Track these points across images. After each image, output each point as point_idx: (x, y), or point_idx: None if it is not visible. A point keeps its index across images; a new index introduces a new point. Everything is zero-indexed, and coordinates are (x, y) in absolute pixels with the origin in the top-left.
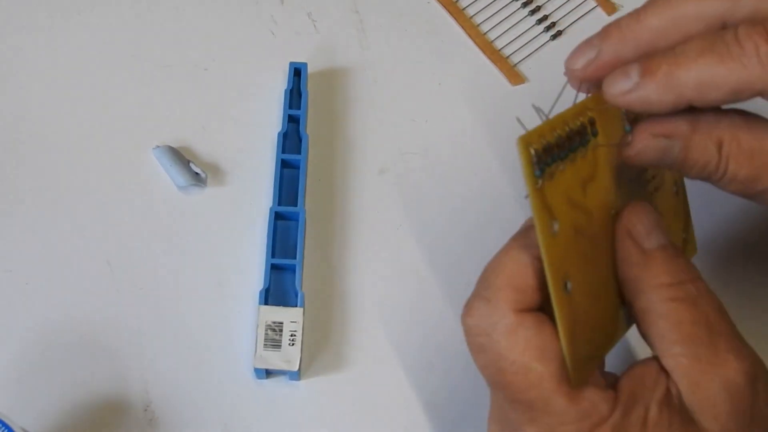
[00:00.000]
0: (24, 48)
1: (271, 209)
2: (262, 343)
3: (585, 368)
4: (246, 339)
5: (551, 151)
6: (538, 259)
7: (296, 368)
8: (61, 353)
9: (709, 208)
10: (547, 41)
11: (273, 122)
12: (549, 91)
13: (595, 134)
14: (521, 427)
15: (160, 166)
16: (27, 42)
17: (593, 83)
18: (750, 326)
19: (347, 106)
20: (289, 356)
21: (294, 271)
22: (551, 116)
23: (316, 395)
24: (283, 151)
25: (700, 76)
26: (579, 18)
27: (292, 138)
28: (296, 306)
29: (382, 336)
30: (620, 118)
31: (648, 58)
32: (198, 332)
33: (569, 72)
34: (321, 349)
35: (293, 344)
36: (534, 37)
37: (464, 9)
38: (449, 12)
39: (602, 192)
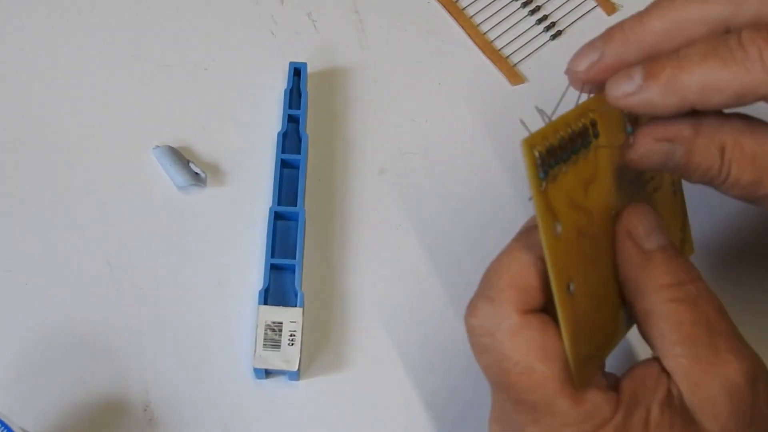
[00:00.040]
0: (24, 48)
1: (270, 209)
2: (262, 343)
3: (587, 369)
4: (245, 339)
5: (554, 153)
6: (541, 260)
7: (296, 368)
8: (61, 353)
9: (708, 208)
10: (547, 41)
11: (273, 122)
12: (549, 91)
13: (596, 136)
14: (524, 427)
15: (160, 166)
16: (27, 42)
17: (596, 85)
18: (750, 326)
19: (347, 106)
20: (288, 356)
21: (293, 271)
22: (554, 118)
23: (315, 395)
24: (283, 151)
25: (704, 79)
26: (579, 18)
27: (291, 138)
28: (296, 306)
29: (382, 336)
30: (621, 120)
31: (651, 61)
32: (198, 332)
33: (572, 74)
34: (320, 349)
35: (293, 344)
36: (534, 37)
37: (464, 9)
38: (449, 12)
39: (603, 193)
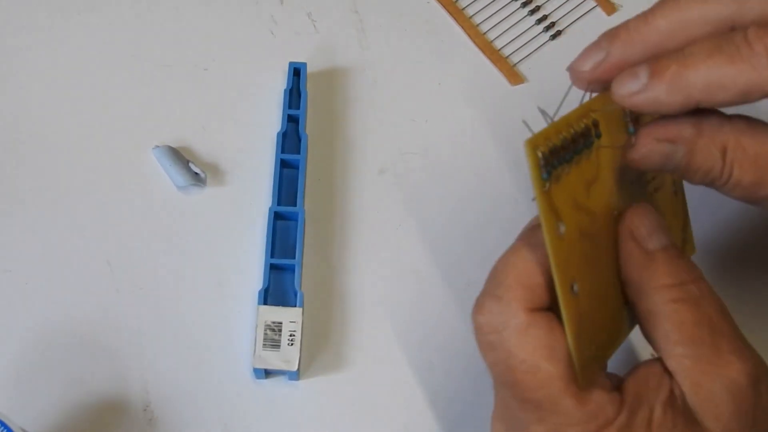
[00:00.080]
0: (24, 48)
1: (270, 209)
2: (262, 343)
3: (591, 369)
4: (245, 339)
5: (557, 153)
6: (547, 258)
7: (295, 368)
8: (61, 353)
9: (708, 208)
10: (547, 41)
11: (272, 122)
12: (549, 90)
13: (598, 136)
14: (528, 426)
15: (160, 166)
16: (27, 42)
17: (601, 84)
18: (751, 327)
19: (347, 106)
20: (288, 356)
21: (293, 271)
22: (556, 118)
23: (315, 395)
24: (283, 151)
25: (709, 77)
26: (579, 18)
27: (291, 138)
28: (295, 306)
29: (382, 336)
30: (623, 120)
31: (656, 60)
32: (197, 332)
33: (577, 74)
34: (320, 349)
35: (292, 344)
36: (533, 37)
37: (464, 9)
38: (449, 12)
39: (605, 193)
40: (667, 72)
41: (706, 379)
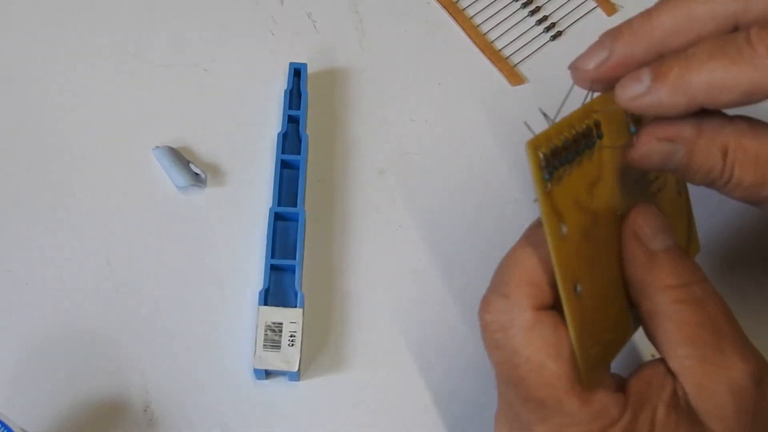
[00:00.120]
0: (24, 48)
1: (270, 210)
2: (262, 343)
3: (596, 370)
4: (245, 339)
5: (559, 154)
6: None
7: (296, 369)
8: (61, 353)
9: (709, 208)
10: (547, 42)
11: (273, 122)
12: (549, 91)
13: (600, 136)
14: (532, 425)
15: (160, 166)
16: (27, 42)
17: (605, 83)
18: (751, 327)
19: (347, 106)
20: (288, 357)
21: (294, 271)
22: (557, 119)
23: (315, 396)
24: (283, 152)
25: (712, 78)
26: (579, 18)
27: (291, 138)
28: (296, 306)
29: (382, 336)
30: (625, 120)
31: (659, 62)
32: (198, 333)
33: (580, 72)
34: (320, 349)
35: (293, 345)
36: (534, 38)
37: (464, 9)
38: (449, 12)
39: (608, 194)
40: (669, 75)
41: (709, 380)
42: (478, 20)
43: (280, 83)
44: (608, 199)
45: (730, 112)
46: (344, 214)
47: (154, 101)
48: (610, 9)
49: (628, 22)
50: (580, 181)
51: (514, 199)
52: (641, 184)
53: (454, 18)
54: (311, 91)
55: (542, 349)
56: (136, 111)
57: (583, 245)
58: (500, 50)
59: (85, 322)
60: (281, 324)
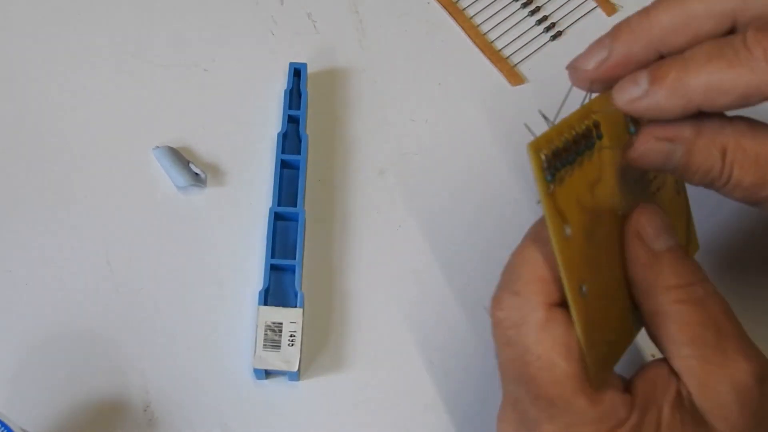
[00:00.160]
0: (24, 48)
1: (270, 209)
2: (262, 343)
3: (603, 370)
4: (245, 339)
5: (560, 155)
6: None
7: (295, 369)
8: (61, 353)
9: (708, 208)
10: (547, 42)
11: (273, 122)
12: (549, 91)
13: (600, 137)
14: (540, 424)
15: (160, 166)
16: (27, 42)
17: (605, 83)
18: (752, 327)
19: (347, 106)
20: (288, 357)
21: (293, 271)
22: (557, 120)
23: (315, 396)
24: (283, 152)
25: (709, 81)
26: (579, 18)
27: (291, 138)
28: (296, 306)
29: (381, 336)
30: (625, 120)
31: (657, 65)
32: (198, 333)
33: (580, 72)
34: (320, 349)
35: (293, 345)
36: (534, 38)
37: (464, 9)
38: (449, 12)
39: (608, 194)
40: (667, 78)
41: (712, 380)
42: (478, 20)
43: (280, 83)
44: (609, 199)
45: (729, 112)
46: (344, 214)
47: (154, 101)
48: (610, 9)
49: (627, 21)
50: (582, 181)
51: (514, 199)
52: (640, 184)
53: (454, 18)
54: (311, 91)
55: (553, 348)
56: (136, 111)
57: (587, 246)
58: (500, 50)
59: (85, 322)
60: (281, 324)
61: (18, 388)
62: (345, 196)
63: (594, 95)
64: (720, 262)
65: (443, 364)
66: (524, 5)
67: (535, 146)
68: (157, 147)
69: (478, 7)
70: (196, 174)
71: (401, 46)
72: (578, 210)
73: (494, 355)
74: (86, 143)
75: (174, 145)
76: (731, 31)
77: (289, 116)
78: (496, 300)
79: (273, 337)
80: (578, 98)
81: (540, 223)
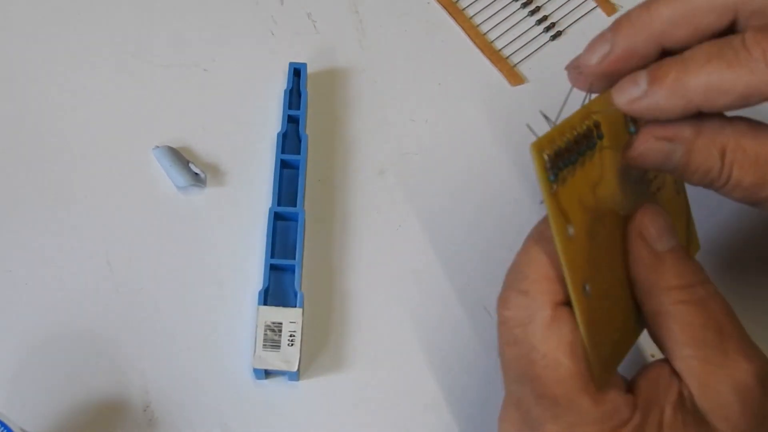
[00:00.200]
0: (24, 48)
1: (270, 209)
2: (261, 343)
3: (606, 370)
4: (245, 339)
5: (562, 155)
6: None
7: (295, 369)
8: (61, 353)
9: (708, 208)
10: (547, 42)
11: (273, 122)
12: (549, 91)
13: (600, 137)
14: (543, 423)
15: (160, 166)
16: (27, 42)
17: (609, 78)
18: (751, 327)
19: (347, 106)
20: (288, 357)
21: (293, 271)
22: (558, 121)
23: (315, 396)
24: (283, 152)
25: (709, 82)
26: (579, 18)
27: (291, 138)
28: (295, 306)
29: (381, 336)
30: (624, 120)
31: (656, 66)
32: (197, 332)
33: (585, 68)
34: (320, 349)
35: (292, 345)
36: (534, 38)
37: (464, 9)
38: (449, 12)
39: (610, 194)
40: (666, 78)
41: (714, 380)
42: (478, 20)
43: (280, 83)
44: (611, 199)
45: (730, 113)
46: (344, 214)
47: (154, 101)
48: (610, 9)
49: (627, 15)
50: (584, 181)
51: (514, 199)
52: (641, 184)
53: (454, 18)
54: (311, 91)
55: (559, 347)
56: (136, 111)
57: (589, 246)
58: (500, 50)
59: (85, 322)
60: (281, 324)
61: (18, 388)
62: (345, 196)
63: (593, 96)
64: (720, 262)
65: (443, 364)
66: (524, 5)
67: (538, 146)
68: (157, 147)
69: (478, 7)
70: (196, 174)
71: (401, 46)
72: (580, 210)
73: (496, 355)
74: (86, 143)
75: (174, 145)
76: (733, 24)
77: (289, 116)
78: (503, 299)
79: (273, 337)
80: (579, 98)
81: (543, 223)
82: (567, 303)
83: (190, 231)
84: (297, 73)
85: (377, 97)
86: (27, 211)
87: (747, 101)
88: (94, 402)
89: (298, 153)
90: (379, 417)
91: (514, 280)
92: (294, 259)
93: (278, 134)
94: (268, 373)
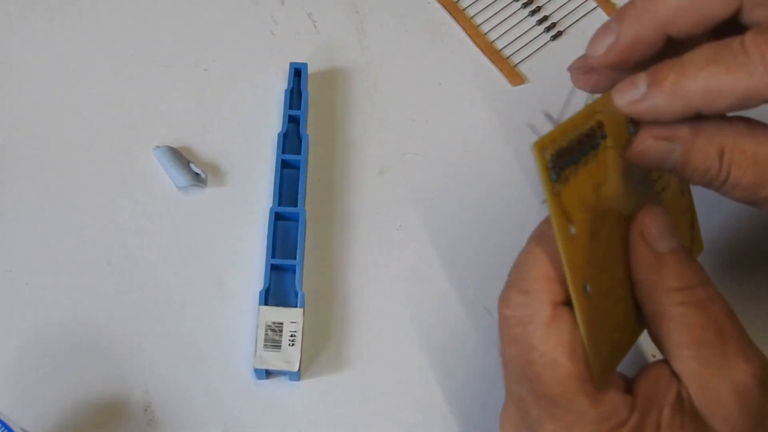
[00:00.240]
0: (24, 48)
1: (271, 209)
2: (262, 343)
3: (606, 370)
4: (246, 339)
5: (565, 155)
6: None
7: (296, 369)
8: (61, 353)
9: (709, 208)
10: (548, 42)
11: (273, 122)
12: (549, 91)
13: (603, 137)
14: (541, 423)
15: (160, 166)
16: (27, 42)
17: (616, 68)
18: (750, 327)
19: (347, 106)
20: (288, 357)
21: (294, 271)
22: (561, 120)
23: (316, 396)
24: (283, 152)
25: (707, 85)
26: (579, 18)
27: (292, 138)
28: (296, 306)
29: (382, 336)
30: (626, 120)
31: (656, 68)
32: (198, 332)
33: (593, 60)
34: (321, 349)
35: (293, 345)
36: (534, 38)
37: (464, 9)
38: (449, 12)
39: (613, 194)
40: (665, 81)
41: (713, 381)
42: (478, 20)
43: (280, 83)
44: (614, 199)
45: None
46: (344, 214)
47: (154, 101)
48: (611, 9)
49: (632, 3)
50: (587, 181)
51: (514, 199)
52: (645, 184)
53: (454, 18)
54: (311, 91)
55: (558, 347)
56: (137, 111)
57: (591, 245)
58: (500, 50)
59: (85, 322)
60: (282, 324)
61: (18, 388)
62: (345, 196)
63: (597, 96)
64: (720, 262)
65: (444, 364)
66: (525, 5)
67: (540, 146)
68: (157, 147)
69: (478, 7)
70: (197, 174)
71: (401, 46)
72: (583, 209)
73: (496, 354)
74: (86, 143)
75: (174, 145)
76: (738, 12)
77: (290, 116)
78: (504, 298)
79: (273, 337)
80: (581, 98)
81: (546, 223)
82: (567, 303)
83: (190, 231)
84: (297, 73)
85: (377, 97)
86: (27, 211)
87: (745, 104)
88: (95, 402)
89: (299, 153)
90: (380, 417)
91: (515, 280)
92: (295, 259)
93: (279, 134)
94: (268, 373)
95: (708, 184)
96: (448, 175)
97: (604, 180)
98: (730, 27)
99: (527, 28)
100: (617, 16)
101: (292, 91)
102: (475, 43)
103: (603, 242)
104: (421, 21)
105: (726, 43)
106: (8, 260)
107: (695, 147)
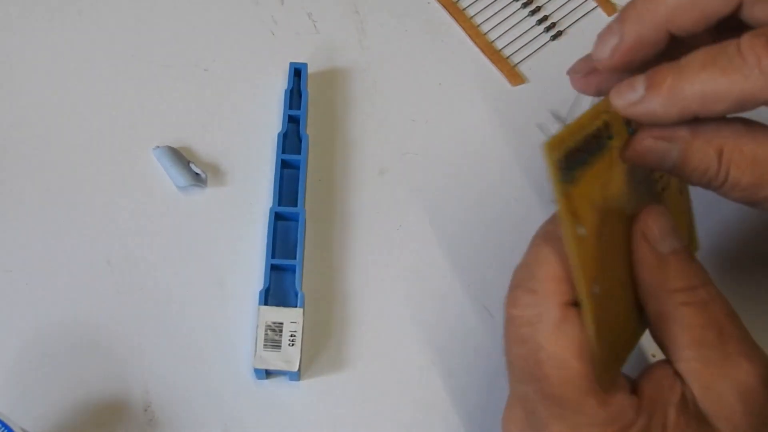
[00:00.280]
0: (24, 48)
1: (271, 209)
2: (262, 343)
3: (612, 370)
4: (246, 339)
5: (573, 155)
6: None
7: (296, 369)
8: (61, 353)
9: (709, 208)
10: (548, 42)
11: (273, 122)
12: (549, 91)
13: (610, 137)
14: (548, 424)
15: (160, 166)
16: (27, 42)
17: (623, 69)
18: (751, 327)
19: (347, 106)
20: (288, 356)
21: (294, 271)
22: (568, 121)
23: (316, 395)
24: (283, 152)
25: (704, 88)
26: (579, 18)
27: (292, 138)
28: (296, 306)
29: (382, 336)
30: (627, 121)
31: (653, 71)
32: (198, 332)
33: (600, 63)
34: (321, 349)
35: (293, 344)
36: (534, 38)
37: (464, 9)
38: (449, 12)
39: (618, 194)
40: (663, 85)
41: (716, 382)
42: (478, 20)
43: (280, 83)
44: (618, 199)
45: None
46: (344, 214)
47: (154, 101)
48: (611, 9)
49: (632, 4)
50: (594, 181)
51: (514, 199)
52: (646, 184)
53: (454, 18)
54: (311, 91)
55: (567, 347)
56: (137, 110)
57: (598, 245)
58: (500, 50)
59: (85, 322)
60: (282, 324)
61: (18, 389)
62: (345, 196)
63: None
64: (720, 262)
65: (444, 364)
66: (524, 5)
67: (550, 146)
68: (157, 147)
69: (478, 7)
70: (197, 174)
71: (401, 46)
72: (590, 210)
73: (498, 354)
74: (86, 143)
75: (174, 145)
76: (738, 9)
77: (290, 116)
78: (511, 298)
79: (273, 337)
80: (588, 98)
81: (551, 223)
82: (574, 303)
83: (190, 231)
84: (297, 73)
85: (377, 97)
86: (27, 211)
87: (742, 107)
88: (95, 402)
89: (299, 153)
90: (380, 417)
91: (522, 279)
92: (294, 259)
93: (279, 134)
94: (268, 373)
95: (707, 185)
96: (448, 175)
97: (610, 180)
98: (732, 24)
99: (527, 28)
100: (619, 17)
101: (292, 91)
102: (475, 43)
103: (607, 242)
104: (421, 21)
105: (722, 46)
106: (8, 260)
107: (694, 147)
